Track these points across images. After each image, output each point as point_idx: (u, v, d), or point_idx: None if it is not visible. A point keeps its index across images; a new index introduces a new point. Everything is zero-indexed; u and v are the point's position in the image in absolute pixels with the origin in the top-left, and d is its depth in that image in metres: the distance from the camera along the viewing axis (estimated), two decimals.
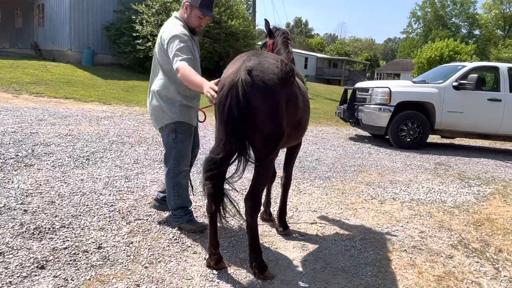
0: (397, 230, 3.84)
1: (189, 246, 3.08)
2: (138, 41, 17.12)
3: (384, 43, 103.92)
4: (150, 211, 3.66)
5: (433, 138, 10.15)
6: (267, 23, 3.78)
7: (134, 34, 17.29)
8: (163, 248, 3.01)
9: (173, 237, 3.20)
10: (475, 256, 3.40)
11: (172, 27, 3.10)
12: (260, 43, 3.95)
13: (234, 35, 18.65)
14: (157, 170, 5.00)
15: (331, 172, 5.84)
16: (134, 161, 5.25)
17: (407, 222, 4.08)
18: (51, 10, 20.52)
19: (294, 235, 3.51)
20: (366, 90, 9.05)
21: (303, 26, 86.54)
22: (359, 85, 9.75)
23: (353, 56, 65.23)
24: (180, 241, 3.15)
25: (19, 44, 24.13)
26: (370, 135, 10.10)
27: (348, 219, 4.03)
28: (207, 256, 2.79)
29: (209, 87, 2.53)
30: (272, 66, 2.52)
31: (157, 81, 3.22)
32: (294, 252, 3.18)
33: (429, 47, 35.86)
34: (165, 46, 3.03)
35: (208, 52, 17.60)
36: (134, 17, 17.55)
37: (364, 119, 8.73)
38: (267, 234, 3.48)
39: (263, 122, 2.44)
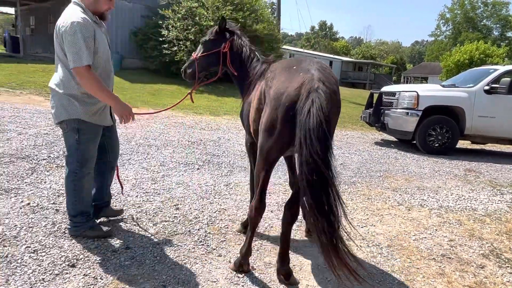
0: (425, 237, 3.74)
1: (214, 249, 3.10)
2: (164, 46, 17.44)
3: (411, 46, 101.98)
4: (176, 213, 3.71)
5: (462, 144, 9.85)
6: (224, 20, 3.34)
7: (161, 39, 17.62)
8: (189, 250, 3.04)
9: (198, 239, 3.23)
10: (508, 266, 3.28)
11: (71, 15, 2.76)
12: (206, 38, 3.44)
13: (259, 39, 18.71)
14: (182, 172, 5.07)
15: (357, 177, 5.76)
16: (160, 164, 5.34)
17: (436, 229, 3.97)
18: None
19: None
20: (392, 94, 8.89)
21: (327, 29, 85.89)
22: (385, 89, 9.59)
23: (379, 59, 64.24)
24: (205, 243, 3.18)
25: (51, 49, 24.94)
26: (396, 140, 9.90)
27: (374, 225, 3.96)
28: (237, 259, 2.80)
29: (128, 113, 2.93)
30: (334, 76, 2.58)
31: (57, 75, 2.90)
32: (319, 258, 3.15)
33: (458, 50, 34.88)
34: (62, 38, 2.74)
35: None
36: (160, 22, 17.89)
37: (391, 124, 8.58)
38: (291, 239, 3.46)
39: (331, 130, 2.44)
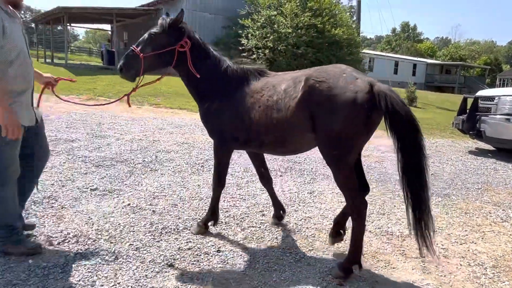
0: None
1: (302, 258, 3.07)
2: (244, 54, 17.98)
3: (507, 45, 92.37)
4: (262, 219, 3.76)
5: None
6: (182, 13, 3.04)
7: (240, 48, 18.22)
8: (277, 257, 3.05)
9: (286, 247, 3.23)
10: None
11: None
12: (155, 31, 3.00)
13: (338, 44, 18.42)
14: None
15: (450, 189, 5.32)
16: (244, 170, 5.47)
17: None
18: None
19: (413, 255, 3.26)
20: (490, 98, 8.10)
21: (410, 30, 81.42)
22: (481, 93, 8.78)
23: (469, 60, 59.20)
24: (293, 251, 3.16)
25: None
26: (494, 148, 8.99)
27: (475, 243, 3.61)
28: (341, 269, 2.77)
29: (15, 126, 2.50)
30: None
31: None
32: (414, 274, 2.96)
33: None
34: None
35: (310, 62, 17.65)
36: (240, 32, 18.50)
37: (488, 131, 7.81)
38: (382, 252, 3.30)
39: None
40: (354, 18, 22.55)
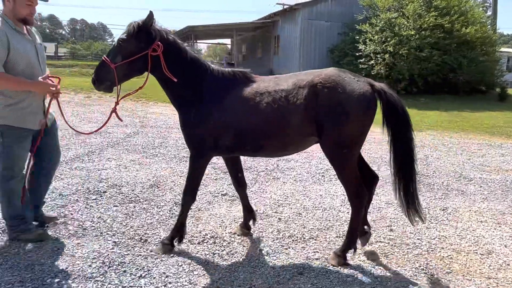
0: None
1: (439, 280, 2.85)
2: (361, 60, 17.47)
3: None
4: (390, 235, 3.60)
5: None
6: (151, 15, 2.80)
7: (357, 54, 17.75)
8: (410, 276, 2.89)
9: (419, 266, 3.04)
10: None
11: None
12: (123, 37, 2.83)
13: (469, 44, 16.64)
14: (390, 192, 4.89)
15: None
16: None
17: None
18: (284, 39, 23.45)
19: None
20: None
21: None
22: None
23: None
24: (428, 272, 2.95)
25: (258, 71, 28.26)
26: None
27: None
28: None
29: (50, 87, 2.93)
30: None
31: None
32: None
33: None
34: None
35: (436, 65, 16.30)
36: (357, 37, 18.02)
37: None
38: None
39: None
40: (489, 13, 20.12)
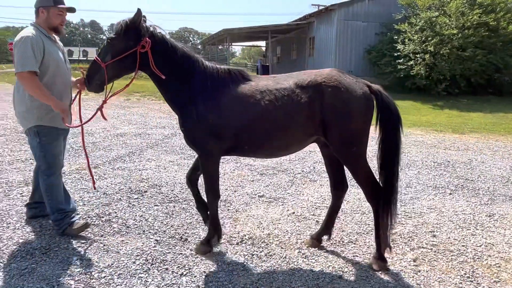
0: None
1: None
2: (399, 61, 17.02)
3: None
4: (433, 240, 3.48)
5: None
6: (139, 13, 2.77)
7: (395, 54, 17.31)
8: (455, 284, 2.78)
9: (464, 274, 2.92)
10: None
11: (23, 32, 3.15)
12: (112, 36, 2.86)
13: None
14: (432, 196, 4.74)
15: None
16: (406, 185, 5.16)
17: None
18: (320, 41, 23.24)
19: None
20: None
21: None
22: None
23: None
24: (475, 281, 2.84)
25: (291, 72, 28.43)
26: None
27: None
28: None
29: (62, 109, 3.09)
30: None
31: (16, 85, 3.25)
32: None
33: None
34: (14, 51, 3.09)
35: (480, 65, 15.60)
36: (396, 37, 17.58)
37: None
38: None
39: None
40: None
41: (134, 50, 2.80)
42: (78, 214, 3.63)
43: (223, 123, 2.85)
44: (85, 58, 47.88)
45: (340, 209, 4.16)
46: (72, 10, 3.35)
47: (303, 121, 2.83)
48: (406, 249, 3.32)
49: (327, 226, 3.30)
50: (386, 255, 2.99)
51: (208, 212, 3.19)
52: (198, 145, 2.98)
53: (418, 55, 16.13)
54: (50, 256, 2.98)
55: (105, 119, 3.27)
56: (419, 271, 2.94)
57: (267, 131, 2.86)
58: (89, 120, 3.22)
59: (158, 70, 2.83)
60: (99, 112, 3.15)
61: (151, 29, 2.87)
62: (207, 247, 3.12)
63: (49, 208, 3.33)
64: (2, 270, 2.75)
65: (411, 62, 16.30)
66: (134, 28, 2.79)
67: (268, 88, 2.88)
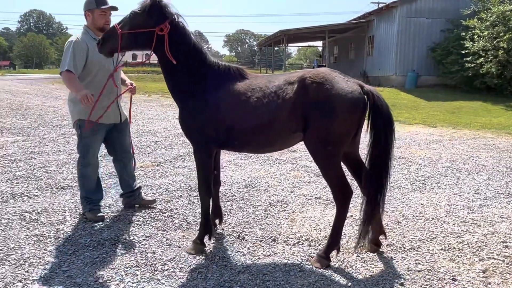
0: None
1: None
2: (467, 59, 15.96)
3: None
4: (505, 251, 3.23)
5: None
6: None
7: (463, 52, 16.26)
8: None
9: None
10: None
11: (73, 36, 3.51)
12: (136, 10, 2.94)
13: None
14: (504, 204, 4.40)
15: None
16: (475, 191, 4.83)
17: None
18: (379, 40, 22.46)
19: None
20: None
21: None
22: None
23: None
24: None
25: (350, 73, 27.64)
26: None
27: None
28: None
29: (84, 95, 3.18)
30: None
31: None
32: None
33: None
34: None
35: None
36: (463, 34, 16.52)
37: None
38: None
39: None
40: None
41: (151, 30, 2.89)
42: (135, 204, 4.05)
43: (218, 118, 2.95)
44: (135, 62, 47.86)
45: (402, 214, 4.04)
46: (114, 8, 3.52)
47: (286, 116, 2.82)
48: (475, 259, 3.11)
49: (379, 228, 3.18)
50: (332, 254, 2.98)
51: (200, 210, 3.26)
52: (193, 138, 3.10)
53: (489, 52, 15.01)
54: (118, 247, 3.19)
55: (116, 86, 3.60)
56: (489, 283, 2.75)
57: (255, 127, 2.91)
58: (111, 103, 3.59)
59: (170, 55, 2.94)
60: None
61: (175, 16, 2.97)
62: (199, 245, 3.13)
63: (80, 193, 3.75)
64: (77, 258, 2.99)
65: (481, 60, 15.21)
66: (158, 9, 2.90)
67: (259, 85, 2.95)
